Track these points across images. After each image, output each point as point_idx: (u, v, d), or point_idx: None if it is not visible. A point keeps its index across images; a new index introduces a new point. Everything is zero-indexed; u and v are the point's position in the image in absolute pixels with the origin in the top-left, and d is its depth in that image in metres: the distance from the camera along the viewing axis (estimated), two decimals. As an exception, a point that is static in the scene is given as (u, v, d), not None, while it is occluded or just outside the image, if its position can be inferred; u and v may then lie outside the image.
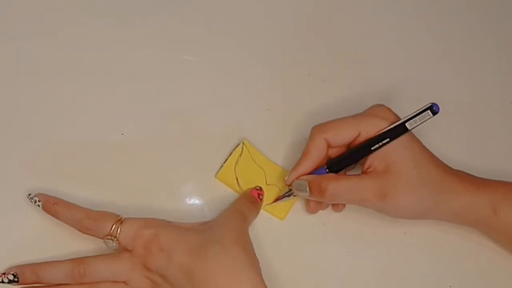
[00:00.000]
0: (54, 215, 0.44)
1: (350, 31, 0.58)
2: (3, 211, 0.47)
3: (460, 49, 0.60)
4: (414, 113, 0.45)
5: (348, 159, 0.47)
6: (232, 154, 0.50)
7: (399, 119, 0.46)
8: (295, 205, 0.50)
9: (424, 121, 0.44)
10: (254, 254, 0.44)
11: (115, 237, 0.43)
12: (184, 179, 0.50)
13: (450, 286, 0.50)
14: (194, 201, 0.50)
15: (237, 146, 0.50)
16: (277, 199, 0.50)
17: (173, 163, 0.50)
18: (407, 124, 0.45)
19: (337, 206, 0.50)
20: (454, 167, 0.48)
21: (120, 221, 0.43)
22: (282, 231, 0.50)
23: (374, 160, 0.46)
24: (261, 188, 0.50)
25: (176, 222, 0.45)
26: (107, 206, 0.47)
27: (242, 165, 0.50)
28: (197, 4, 0.56)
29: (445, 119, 0.56)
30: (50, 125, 0.50)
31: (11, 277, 0.43)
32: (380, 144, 0.45)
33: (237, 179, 0.50)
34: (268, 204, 0.50)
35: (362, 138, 0.46)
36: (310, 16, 0.58)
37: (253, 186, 0.50)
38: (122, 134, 0.50)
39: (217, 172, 0.50)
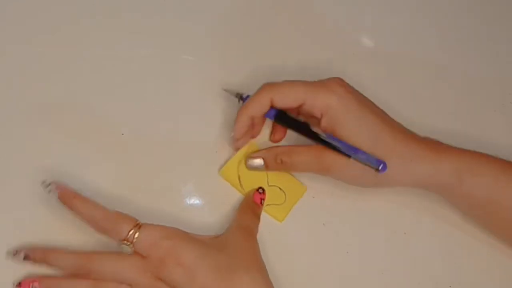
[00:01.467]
0: (70, 208, 0.43)
1: (350, 31, 0.58)
2: (3, 206, 0.47)
3: (460, 49, 0.60)
4: (363, 159, 0.45)
5: (297, 129, 0.48)
6: (237, 153, 0.50)
7: (349, 93, 0.46)
8: (295, 206, 0.50)
9: (367, 165, 0.45)
10: (268, 275, 0.43)
11: (131, 242, 0.41)
12: (184, 179, 0.50)
13: (450, 286, 0.50)
14: (194, 201, 0.50)
15: None
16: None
17: (173, 163, 0.50)
18: (352, 157, 0.45)
19: (274, 136, 0.51)
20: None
21: (138, 226, 0.42)
22: (282, 232, 0.50)
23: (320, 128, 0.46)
24: (263, 191, 0.50)
25: (192, 234, 0.44)
26: (106, 206, 0.47)
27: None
28: (197, 3, 0.56)
29: (445, 118, 0.56)
30: (50, 125, 0.50)
31: (22, 255, 0.43)
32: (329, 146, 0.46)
33: (239, 177, 0.50)
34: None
35: (306, 107, 0.46)
36: (310, 16, 0.58)
37: (255, 186, 0.50)
38: (122, 134, 0.50)
39: (221, 168, 0.50)
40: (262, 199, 0.49)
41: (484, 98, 0.58)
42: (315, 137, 0.46)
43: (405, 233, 0.51)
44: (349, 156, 0.45)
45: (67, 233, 0.45)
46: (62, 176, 0.48)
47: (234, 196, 0.50)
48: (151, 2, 0.55)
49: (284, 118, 0.48)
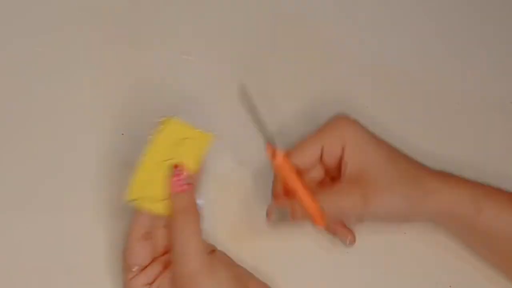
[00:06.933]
0: None
1: (350, 31, 0.58)
2: (3, 210, 0.47)
3: (460, 49, 0.60)
4: None
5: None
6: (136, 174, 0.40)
7: (359, 126, 0.46)
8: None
9: None
10: None
11: None
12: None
13: (450, 286, 0.50)
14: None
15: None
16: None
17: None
18: None
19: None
20: (454, 167, 0.48)
21: None
22: (281, 231, 0.50)
23: (346, 167, 0.45)
24: (179, 168, 0.41)
25: None
26: (106, 205, 0.47)
27: (147, 175, 0.41)
28: (197, 3, 0.56)
29: (445, 119, 0.56)
30: (50, 124, 0.50)
31: None
32: None
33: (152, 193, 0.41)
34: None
35: (326, 153, 0.45)
36: (310, 16, 0.58)
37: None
38: (122, 134, 0.50)
39: (128, 196, 0.41)
40: (185, 178, 0.41)
41: (484, 98, 0.58)
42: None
43: (405, 233, 0.51)
44: None
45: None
46: (60, 175, 0.48)
47: (237, 195, 0.50)
48: (151, 1, 0.55)
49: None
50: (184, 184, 0.41)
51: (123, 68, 0.52)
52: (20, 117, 0.50)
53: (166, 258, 0.43)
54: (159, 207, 0.41)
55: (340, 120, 0.46)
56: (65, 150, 0.49)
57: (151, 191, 0.40)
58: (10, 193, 0.47)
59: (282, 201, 0.45)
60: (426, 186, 0.45)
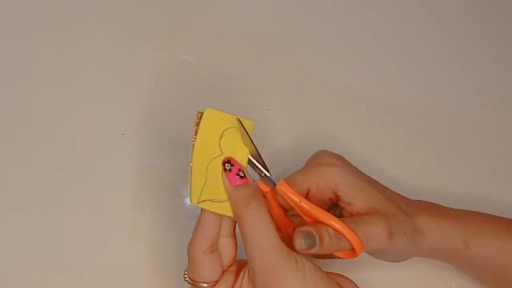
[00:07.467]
0: None
1: (350, 31, 0.58)
2: (3, 210, 0.47)
3: (460, 50, 0.60)
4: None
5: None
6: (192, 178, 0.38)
7: (343, 162, 0.44)
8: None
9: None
10: None
11: None
12: (184, 179, 0.50)
13: (450, 286, 0.50)
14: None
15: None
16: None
17: (174, 163, 0.50)
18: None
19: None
20: (456, 168, 0.48)
21: None
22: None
23: (354, 206, 0.42)
24: (231, 162, 0.39)
25: None
26: (107, 206, 0.47)
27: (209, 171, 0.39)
28: (197, 3, 0.56)
29: (445, 119, 0.56)
30: (50, 124, 0.50)
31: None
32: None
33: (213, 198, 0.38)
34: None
35: (312, 193, 0.42)
36: (309, 15, 0.58)
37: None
38: (122, 134, 0.50)
39: (191, 197, 0.38)
40: (239, 171, 0.38)
41: (484, 98, 0.58)
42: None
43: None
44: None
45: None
46: (61, 176, 0.48)
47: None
48: (151, 2, 0.55)
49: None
50: (239, 178, 0.38)
51: (122, 68, 0.52)
52: (20, 117, 0.50)
53: (236, 267, 0.40)
54: (225, 208, 0.38)
55: (325, 158, 0.44)
56: (65, 150, 0.49)
57: (212, 193, 0.38)
58: (10, 193, 0.47)
59: (307, 227, 0.39)
60: (423, 227, 0.44)
